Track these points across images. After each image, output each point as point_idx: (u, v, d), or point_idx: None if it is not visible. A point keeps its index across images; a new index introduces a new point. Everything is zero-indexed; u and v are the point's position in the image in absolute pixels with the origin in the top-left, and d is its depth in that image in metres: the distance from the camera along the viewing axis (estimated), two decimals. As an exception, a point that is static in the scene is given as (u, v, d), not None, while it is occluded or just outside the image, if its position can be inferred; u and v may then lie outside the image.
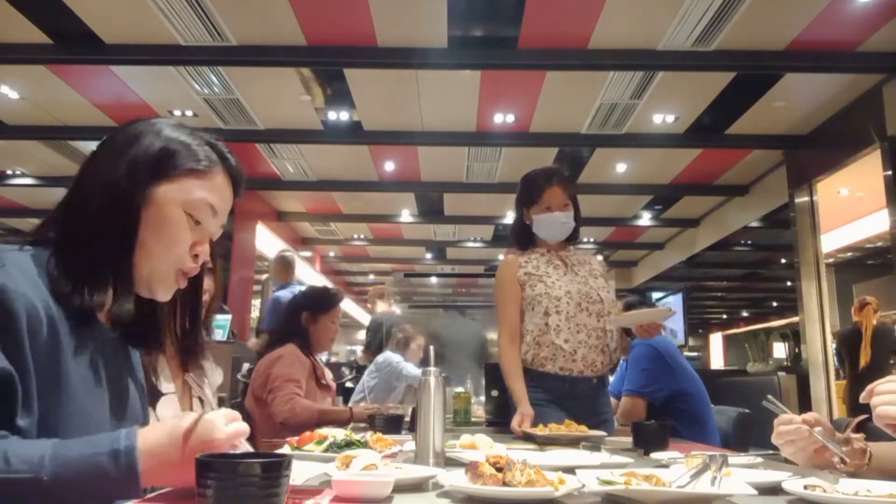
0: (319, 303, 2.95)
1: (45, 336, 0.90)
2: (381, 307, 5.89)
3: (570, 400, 2.27)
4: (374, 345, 5.38)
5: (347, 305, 15.48)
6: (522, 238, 2.54)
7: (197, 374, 1.78)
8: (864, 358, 5.75)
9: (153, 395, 1.53)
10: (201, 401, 1.81)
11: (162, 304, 1.09)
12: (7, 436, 0.84)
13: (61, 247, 0.98)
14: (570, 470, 1.18)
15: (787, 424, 1.33)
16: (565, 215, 2.44)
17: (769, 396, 1.45)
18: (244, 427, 0.95)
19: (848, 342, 6.02)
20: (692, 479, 1.08)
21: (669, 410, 2.68)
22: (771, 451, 1.57)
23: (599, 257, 2.51)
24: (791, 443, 1.32)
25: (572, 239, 2.53)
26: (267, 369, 2.71)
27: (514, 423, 2.18)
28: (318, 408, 2.75)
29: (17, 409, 0.86)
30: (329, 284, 5.35)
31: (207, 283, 1.72)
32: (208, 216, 1.06)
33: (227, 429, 0.91)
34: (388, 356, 4.47)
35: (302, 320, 2.88)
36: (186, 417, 0.91)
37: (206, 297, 1.69)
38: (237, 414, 0.98)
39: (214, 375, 1.95)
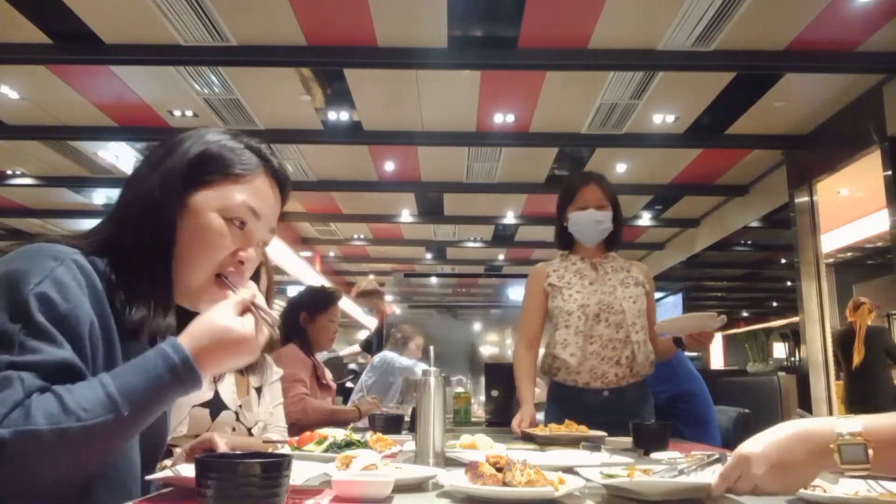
0: (316, 302, 2.96)
1: (103, 350, 0.92)
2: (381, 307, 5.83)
3: (580, 411, 2.23)
4: (374, 346, 5.37)
5: (347, 305, 15.47)
6: (562, 240, 2.54)
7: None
8: (857, 357, 5.75)
9: None
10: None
11: None
12: (48, 387, 0.82)
13: (113, 256, 0.98)
14: (570, 470, 1.18)
15: None
16: (601, 214, 2.40)
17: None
18: (252, 287, 0.98)
19: (843, 342, 6.03)
20: (684, 472, 1.09)
21: (672, 411, 2.68)
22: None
23: (644, 265, 2.53)
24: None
25: (612, 243, 2.49)
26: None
27: (515, 423, 2.21)
28: (328, 408, 2.78)
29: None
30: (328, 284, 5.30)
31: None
32: (251, 219, 1.03)
33: (242, 291, 0.96)
34: (386, 355, 4.48)
35: (300, 320, 2.89)
36: (219, 309, 0.94)
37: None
38: (252, 284, 1.00)
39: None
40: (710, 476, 1.07)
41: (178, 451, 1.34)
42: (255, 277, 1.12)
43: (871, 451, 0.88)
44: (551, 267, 2.49)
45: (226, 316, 0.92)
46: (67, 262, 0.90)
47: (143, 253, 0.98)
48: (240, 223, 1.02)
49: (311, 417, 2.64)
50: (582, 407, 2.26)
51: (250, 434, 1.87)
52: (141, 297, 0.97)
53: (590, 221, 2.40)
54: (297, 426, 2.60)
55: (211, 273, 1.02)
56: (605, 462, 1.41)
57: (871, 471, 0.89)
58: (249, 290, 0.98)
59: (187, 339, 0.90)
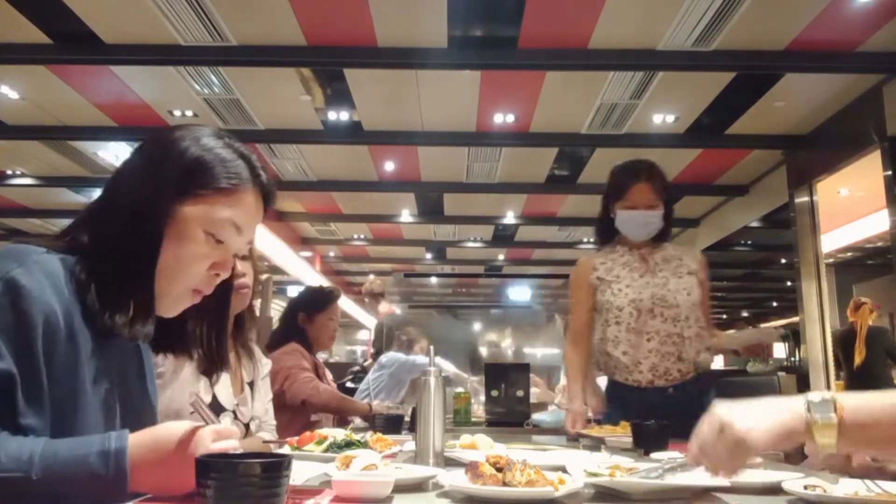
0: (315, 302, 2.96)
1: (64, 344, 0.90)
2: (383, 307, 5.89)
3: (643, 409, 2.08)
4: (381, 347, 5.38)
5: (348, 305, 15.48)
6: (604, 232, 2.40)
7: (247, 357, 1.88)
8: (859, 357, 5.75)
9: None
10: (251, 386, 1.90)
11: (189, 312, 1.07)
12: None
13: (89, 255, 0.96)
14: (563, 469, 1.18)
15: None
16: (652, 215, 2.27)
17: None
18: (232, 445, 0.95)
19: (844, 342, 6.03)
20: (667, 471, 1.10)
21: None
22: (770, 451, 1.57)
23: (697, 252, 2.40)
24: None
25: (662, 237, 2.35)
26: (274, 366, 2.72)
27: (568, 425, 2.14)
28: (338, 393, 2.80)
29: (18, 409, 0.86)
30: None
31: (245, 268, 1.76)
32: (232, 235, 1.02)
33: (212, 446, 0.91)
34: (393, 355, 4.47)
35: (299, 321, 2.89)
36: (178, 425, 0.91)
37: (246, 280, 1.75)
38: (234, 431, 0.98)
39: (263, 364, 2.02)
40: (694, 477, 1.08)
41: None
42: (227, 292, 1.12)
43: (840, 409, 0.90)
44: (597, 259, 2.35)
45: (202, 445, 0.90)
46: (28, 264, 0.89)
47: (128, 256, 0.96)
48: (219, 238, 1.01)
49: (323, 396, 2.69)
50: (645, 405, 2.14)
51: (248, 429, 1.87)
52: (120, 301, 0.95)
53: (639, 223, 2.28)
54: (308, 403, 2.65)
55: (189, 286, 1.01)
56: (601, 462, 1.41)
57: (844, 440, 0.89)
58: (232, 441, 0.95)
59: (135, 437, 0.87)
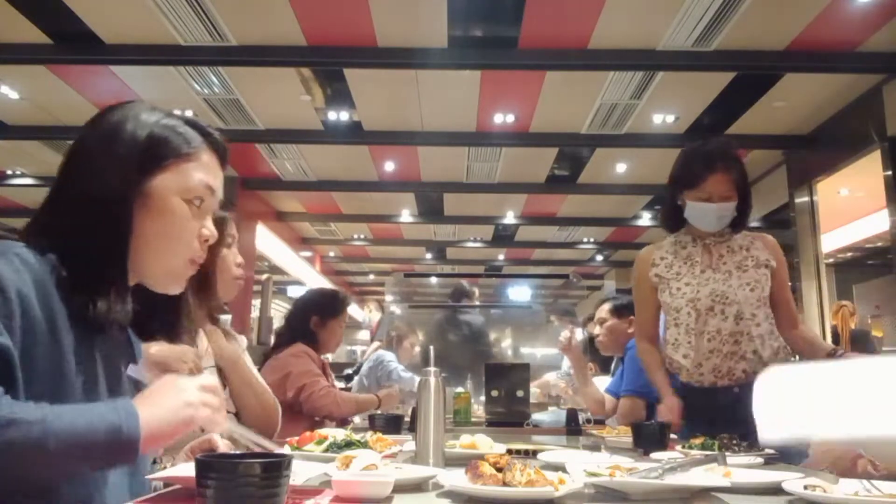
0: (330, 306, 2.95)
1: (46, 337, 0.89)
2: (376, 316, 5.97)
3: (711, 410, 2.01)
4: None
5: (349, 307, 15.47)
6: (673, 220, 2.21)
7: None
8: None
9: None
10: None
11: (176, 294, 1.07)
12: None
13: (63, 248, 0.96)
14: (563, 469, 1.19)
15: None
16: (726, 207, 2.06)
17: None
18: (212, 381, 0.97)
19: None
20: (667, 471, 1.11)
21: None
22: (771, 451, 1.57)
23: (770, 238, 2.19)
24: (828, 453, 1.33)
25: (735, 226, 2.14)
26: (284, 368, 2.70)
27: (670, 417, 1.99)
28: (354, 398, 2.81)
29: (19, 385, 0.85)
30: (330, 285, 5.30)
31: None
32: (208, 196, 1.04)
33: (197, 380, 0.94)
34: (381, 354, 4.48)
35: (311, 324, 2.87)
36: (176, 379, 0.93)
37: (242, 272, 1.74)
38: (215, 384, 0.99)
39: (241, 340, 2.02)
40: (693, 476, 1.08)
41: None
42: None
43: None
44: (658, 253, 2.20)
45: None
46: (9, 256, 0.89)
47: (100, 245, 0.96)
48: (199, 202, 1.03)
49: (343, 409, 2.68)
50: (713, 406, 2.02)
51: (238, 417, 1.86)
52: (101, 290, 0.95)
53: (713, 217, 2.08)
54: (330, 418, 2.65)
55: (185, 259, 1.02)
56: (600, 462, 1.41)
57: None
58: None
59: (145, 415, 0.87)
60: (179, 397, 0.90)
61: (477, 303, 4.64)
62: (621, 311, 2.95)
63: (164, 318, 1.09)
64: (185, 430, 0.91)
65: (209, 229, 1.05)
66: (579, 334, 3.04)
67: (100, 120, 1.04)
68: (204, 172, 1.04)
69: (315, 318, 2.89)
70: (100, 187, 0.97)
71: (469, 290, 4.61)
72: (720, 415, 1.92)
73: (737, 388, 2.01)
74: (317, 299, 3.02)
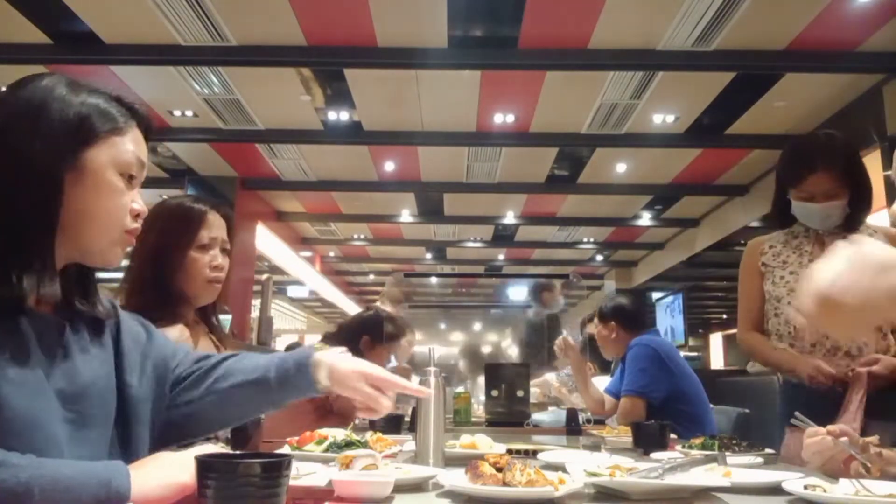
0: (388, 334, 2.93)
1: None
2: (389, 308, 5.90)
3: (815, 408, 1.77)
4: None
5: (347, 305, 15.48)
6: (781, 216, 2.10)
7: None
8: None
9: None
10: None
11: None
12: None
13: None
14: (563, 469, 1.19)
15: (814, 437, 1.33)
16: (832, 206, 1.94)
17: (797, 414, 1.46)
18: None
19: None
20: (667, 471, 1.11)
21: (668, 411, 2.67)
22: (770, 451, 1.57)
23: (893, 231, 2.06)
24: (819, 454, 1.32)
25: (849, 226, 2.00)
26: None
27: (819, 377, 1.80)
28: None
29: None
30: (330, 285, 5.18)
31: (224, 262, 1.71)
32: (139, 170, 1.04)
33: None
34: None
35: (361, 343, 2.84)
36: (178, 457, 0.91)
37: (221, 275, 1.70)
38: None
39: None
40: (693, 476, 1.08)
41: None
42: None
43: None
44: (769, 242, 2.12)
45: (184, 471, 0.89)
46: None
47: (28, 222, 0.93)
48: (129, 176, 1.02)
49: None
50: (817, 404, 1.77)
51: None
52: (27, 269, 0.92)
53: (818, 217, 1.98)
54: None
55: (121, 231, 1.02)
56: (600, 462, 1.41)
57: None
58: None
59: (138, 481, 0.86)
60: (175, 462, 0.90)
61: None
62: (604, 316, 2.93)
63: (83, 295, 1.05)
64: (179, 496, 0.88)
65: (139, 203, 1.04)
66: (573, 336, 3.02)
67: (15, 97, 0.98)
68: (135, 145, 1.04)
69: (367, 338, 2.85)
70: (29, 165, 0.94)
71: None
72: (825, 409, 1.70)
73: (840, 388, 1.81)
74: (375, 321, 2.99)
